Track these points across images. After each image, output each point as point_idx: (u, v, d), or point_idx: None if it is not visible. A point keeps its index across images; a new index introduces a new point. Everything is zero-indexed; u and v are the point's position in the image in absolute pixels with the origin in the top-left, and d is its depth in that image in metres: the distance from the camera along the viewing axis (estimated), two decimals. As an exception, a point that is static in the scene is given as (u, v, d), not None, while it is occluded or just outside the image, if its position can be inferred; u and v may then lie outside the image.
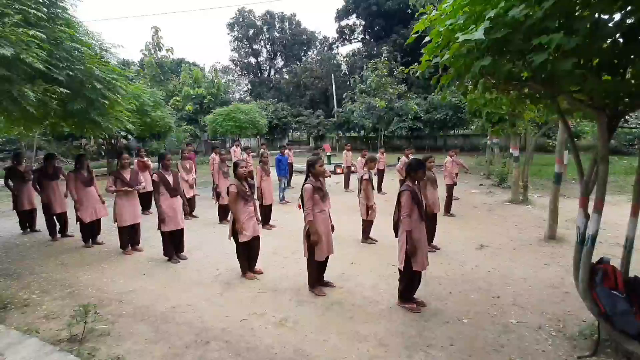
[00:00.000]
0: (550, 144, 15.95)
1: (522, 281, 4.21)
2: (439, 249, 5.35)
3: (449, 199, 7.51)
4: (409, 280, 3.50)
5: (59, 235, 6.18)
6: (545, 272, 4.46)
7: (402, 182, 3.56)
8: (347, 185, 10.99)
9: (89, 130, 6.37)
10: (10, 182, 6.28)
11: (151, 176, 4.98)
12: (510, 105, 3.85)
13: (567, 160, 6.49)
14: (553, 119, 5.94)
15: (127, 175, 5.25)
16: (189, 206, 7.49)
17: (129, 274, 4.58)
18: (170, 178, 4.93)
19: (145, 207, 7.69)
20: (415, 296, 3.67)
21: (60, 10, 4.55)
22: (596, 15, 2.15)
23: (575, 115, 4.34)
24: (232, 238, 4.26)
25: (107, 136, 11.27)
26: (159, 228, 4.83)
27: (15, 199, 6.31)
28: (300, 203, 3.87)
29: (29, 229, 6.58)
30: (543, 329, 3.19)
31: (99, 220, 5.79)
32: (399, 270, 3.53)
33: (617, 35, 2.24)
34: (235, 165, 4.32)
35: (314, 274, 3.92)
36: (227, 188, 4.22)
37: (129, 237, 5.38)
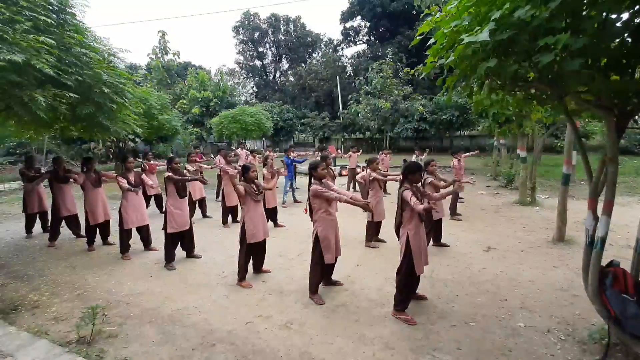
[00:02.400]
0: (558, 144, 15.77)
1: (530, 284, 4.16)
2: (447, 245, 5.45)
3: (454, 200, 7.43)
4: (408, 285, 3.44)
5: (74, 239, 6.28)
6: (554, 275, 4.40)
7: (400, 184, 3.52)
8: (348, 188, 10.94)
9: (97, 134, 6.46)
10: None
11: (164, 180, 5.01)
12: (517, 106, 3.82)
13: (575, 161, 6.41)
14: (561, 119, 5.87)
15: (132, 178, 5.32)
16: (201, 208, 7.73)
17: (137, 276, 4.62)
18: (179, 179, 4.97)
19: (158, 207, 8.24)
20: (418, 292, 3.68)
21: (69, 17, 4.64)
22: (604, 14, 2.12)
23: (583, 116, 4.29)
24: (239, 240, 4.27)
25: (115, 139, 11.43)
26: (164, 229, 4.86)
27: (25, 202, 6.42)
28: (308, 207, 3.87)
29: (33, 232, 6.64)
30: (552, 332, 3.15)
31: (108, 222, 5.87)
32: (397, 275, 3.45)
33: (626, 34, 2.21)
34: (246, 169, 4.33)
35: (316, 279, 3.90)
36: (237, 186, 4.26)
37: (140, 240, 5.45)
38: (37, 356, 2.85)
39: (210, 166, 8.44)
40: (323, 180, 3.87)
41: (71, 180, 6.14)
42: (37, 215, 6.60)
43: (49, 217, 6.50)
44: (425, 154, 9.37)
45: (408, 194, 3.30)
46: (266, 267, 4.59)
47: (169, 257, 4.90)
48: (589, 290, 2.81)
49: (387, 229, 5.78)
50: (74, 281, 4.46)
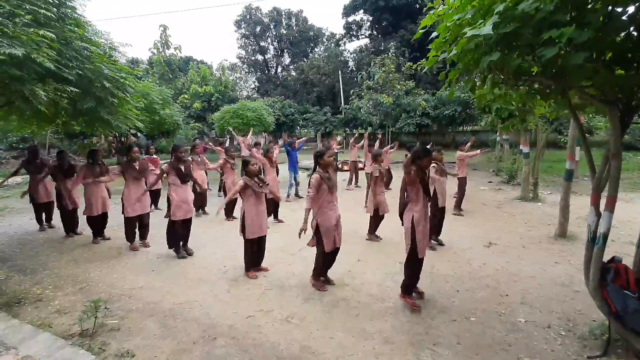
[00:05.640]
0: (561, 139, 15.66)
1: (531, 279, 4.15)
2: (443, 244, 5.31)
3: (460, 195, 7.40)
4: (415, 268, 3.51)
5: (80, 231, 6.33)
6: (555, 270, 4.40)
7: (406, 169, 3.51)
8: (350, 182, 10.96)
9: (98, 129, 6.46)
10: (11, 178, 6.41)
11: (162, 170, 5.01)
12: (520, 101, 3.78)
13: (578, 156, 6.38)
14: (564, 114, 5.82)
15: (137, 166, 5.35)
16: (201, 202, 7.62)
17: (138, 270, 4.65)
18: (182, 166, 4.99)
19: (153, 203, 8.00)
20: (418, 287, 3.71)
21: (69, 10, 4.61)
22: (609, 7, 2.09)
23: (586, 111, 4.25)
24: (241, 234, 4.29)
25: (117, 134, 11.46)
26: (167, 216, 4.89)
27: (31, 192, 6.41)
28: None
29: (46, 226, 6.69)
30: (552, 328, 3.15)
31: (105, 214, 5.90)
32: (406, 258, 3.52)
33: (631, 28, 2.18)
34: (246, 163, 4.32)
35: (320, 264, 3.93)
36: (238, 181, 4.26)
37: (138, 229, 5.48)
38: (40, 349, 2.87)
39: (213, 165, 8.14)
40: (328, 170, 3.84)
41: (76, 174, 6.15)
42: (46, 205, 6.58)
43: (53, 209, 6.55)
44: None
45: (409, 175, 3.35)
46: (266, 265, 4.57)
47: (176, 244, 5.00)
48: (590, 285, 2.81)
49: (385, 225, 5.77)
50: (76, 275, 4.49)
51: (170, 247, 5.05)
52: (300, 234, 3.68)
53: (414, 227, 3.38)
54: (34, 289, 4.10)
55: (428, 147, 4.20)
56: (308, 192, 3.72)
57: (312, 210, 3.79)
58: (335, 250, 3.97)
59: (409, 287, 3.59)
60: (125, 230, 5.42)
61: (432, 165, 5.00)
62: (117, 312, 3.53)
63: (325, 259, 3.93)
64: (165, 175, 5.04)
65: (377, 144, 9.47)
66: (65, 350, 2.86)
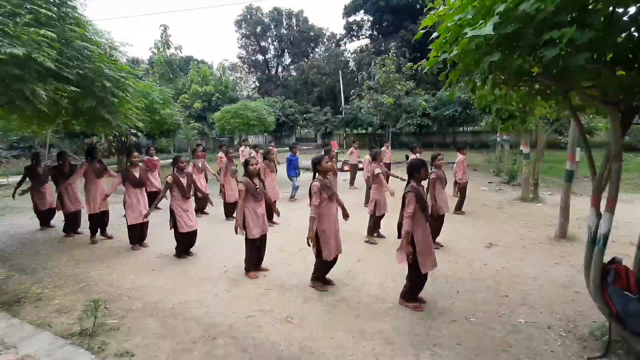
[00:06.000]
0: (562, 140, 15.66)
1: (531, 280, 4.15)
2: (442, 246, 5.28)
3: (462, 198, 7.39)
4: (417, 280, 3.48)
5: (80, 231, 6.32)
6: (556, 271, 4.39)
7: (407, 183, 3.52)
8: (352, 182, 10.99)
9: (99, 128, 6.47)
10: (20, 188, 6.30)
11: (166, 177, 4.99)
12: (521, 101, 3.78)
13: (579, 157, 6.38)
14: (565, 115, 5.82)
15: (136, 173, 5.34)
16: (201, 205, 7.58)
17: (139, 269, 4.65)
18: (184, 181, 4.96)
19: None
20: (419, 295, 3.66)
21: (70, 10, 4.61)
22: (610, 8, 2.09)
23: (587, 112, 4.25)
24: (242, 233, 4.27)
25: (117, 134, 11.44)
26: (171, 228, 4.89)
27: (33, 200, 6.42)
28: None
29: (45, 226, 6.71)
30: (552, 329, 3.15)
31: (107, 212, 5.90)
32: (408, 272, 3.51)
33: (632, 29, 2.17)
34: (247, 163, 4.35)
35: (320, 270, 3.93)
36: (238, 186, 4.27)
37: (139, 233, 5.49)
38: (40, 348, 2.88)
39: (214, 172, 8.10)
40: (327, 175, 3.85)
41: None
42: (48, 211, 6.61)
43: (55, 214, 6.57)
44: (418, 151, 9.33)
45: (409, 199, 3.32)
46: (265, 265, 4.57)
47: (181, 253, 5.02)
48: (591, 287, 2.80)
49: (387, 225, 5.78)
50: (76, 274, 4.49)
51: (177, 256, 5.03)
52: (308, 241, 3.76)
53: (414, 245, 3.32)
54: (34, 288, 4.10)
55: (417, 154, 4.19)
56: (312, 202, 3.74)
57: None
58: (335, 258, 3.96)
59: (408, 295, 3.55)
60: (129, 236, 5.45)
61: (431, 175, 4.98)
62: (117, 311, 3.53)
63: (324, 266, 3.93)
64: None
65: (384, 148, 9.67)
66: (65, 350, 2.86)
